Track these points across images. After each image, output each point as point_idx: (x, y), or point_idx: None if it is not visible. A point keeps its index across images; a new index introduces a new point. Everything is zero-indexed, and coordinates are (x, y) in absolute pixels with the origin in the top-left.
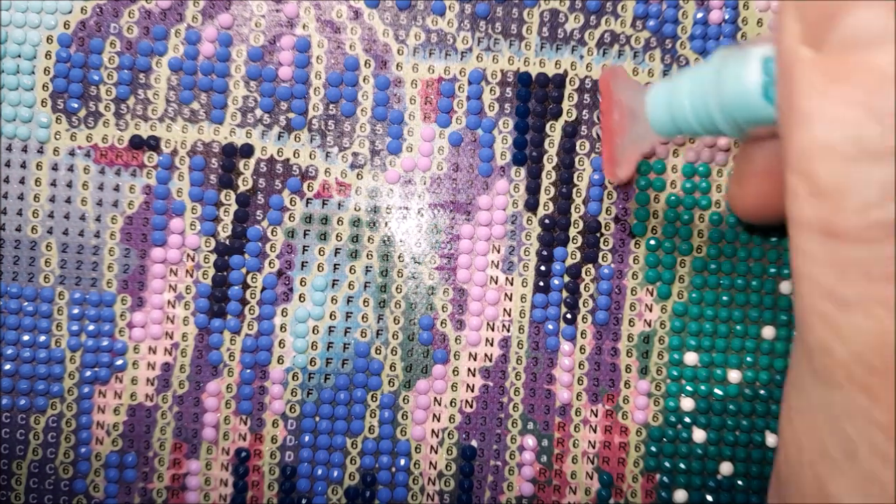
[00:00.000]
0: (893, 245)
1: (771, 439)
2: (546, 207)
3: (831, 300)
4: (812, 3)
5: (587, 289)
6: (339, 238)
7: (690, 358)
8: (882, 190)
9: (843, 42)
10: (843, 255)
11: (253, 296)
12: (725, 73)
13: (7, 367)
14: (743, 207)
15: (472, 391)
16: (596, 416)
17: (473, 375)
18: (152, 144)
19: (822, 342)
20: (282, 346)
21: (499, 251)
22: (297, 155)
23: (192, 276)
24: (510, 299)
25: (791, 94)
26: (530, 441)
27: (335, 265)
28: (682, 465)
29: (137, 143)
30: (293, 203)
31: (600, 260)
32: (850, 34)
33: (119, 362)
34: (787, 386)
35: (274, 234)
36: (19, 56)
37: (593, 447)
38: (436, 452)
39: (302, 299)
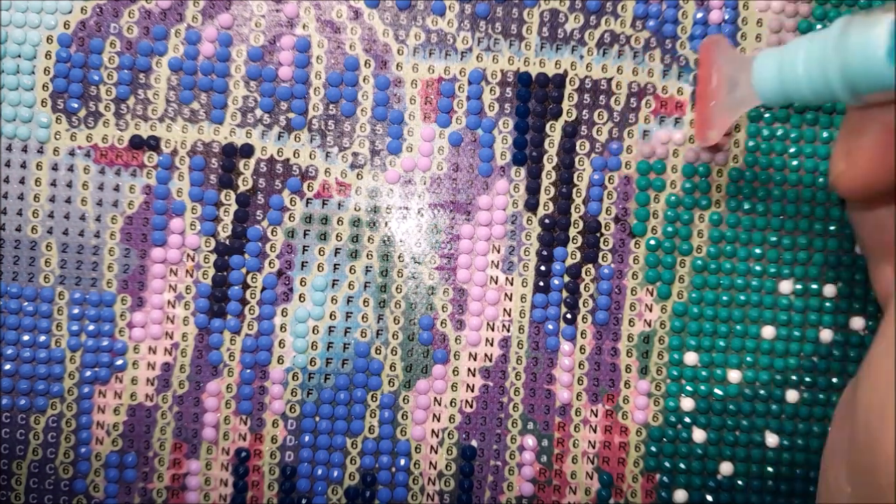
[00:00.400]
0: None
1: (771, 439)
2: (546, 207)
3: None
4: None
5: (587, 289)
6: (339, 238)
7: (690, 358)
8: None
9: None
10: None
11: (253, 296)
12: (850, 35)
13: (7, 367)
14: (852, 184)
15: (472, 391)
16: (596, 416)
17: (473, 375)
18: (152, 144)
19: None
20: (282, 346)
21: (499, 251)
22: (297, 155)
23: (192, 276)
24: (510, 299)
25: None
26: (530, 441)
27: (335, 265)
28: (682, 465)
29: (137, 143)
30: (293, 203)
31: (600, 260)
32: None
33: (119, 362)
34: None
35: (274, 234)
36: (19, 56)
37: (593, 447)
38: (436, 452)
39: (302, 299)
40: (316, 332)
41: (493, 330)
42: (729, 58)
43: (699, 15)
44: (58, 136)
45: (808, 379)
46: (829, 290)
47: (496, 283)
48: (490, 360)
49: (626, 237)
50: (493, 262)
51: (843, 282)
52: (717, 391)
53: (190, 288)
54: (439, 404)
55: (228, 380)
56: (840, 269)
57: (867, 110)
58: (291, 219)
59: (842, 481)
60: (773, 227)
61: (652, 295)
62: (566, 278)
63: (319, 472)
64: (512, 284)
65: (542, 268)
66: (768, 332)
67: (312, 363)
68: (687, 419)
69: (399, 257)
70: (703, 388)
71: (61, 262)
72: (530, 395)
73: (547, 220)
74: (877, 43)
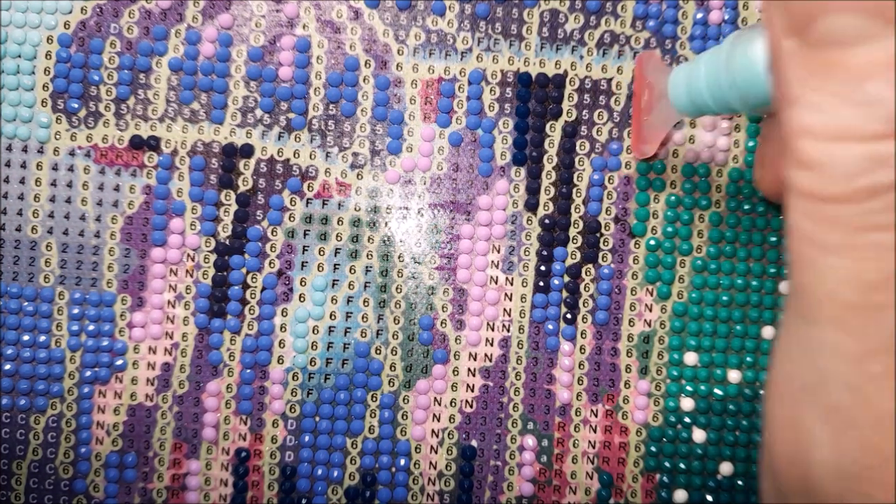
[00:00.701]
0: (873, 203)
1: None
2: (546, 207)
3: (816, 247)
4: (796, 0)
5: (587, 289)
6: (339, 238)
7: (690, 358)
8: (863, 163)
9: (822, 39)
10: (828, 212)
11: (253, 296)
12: (735, 50)
13: (7, 367)
14: (766, 188)
15: (472, 391)
16: (596, 416)
17: (473, 375)
18: (152, 144)
19: (806, 283)
20: (282, 346)
21: (499, 251)
22: (297, 155)
23: (192, 276)
24: (510, 299)
25: (779, 79)
26: (530, 441)
27: (335, 265)
28: (682, 465)
29: (137, 144)
30: (293, 203)
31: (600, 260)
32: (828, 33)
33: (119, 362)
34: (778, 330)
35: (274, 234)
36: (19, 56)
37: (593, 447)
38: (436, 452)
39: (302, 299)
40: (316, 332)
41: (493, 330)
42: (657, 73)
43: (699, 15)
44: (58, 136)
45: None
46: None
47: (496, 283)
48: (490, 360)
49: (626, 237)
50: (493, 262)
51: None
52: (718, 391)
53: (190, 288)
54: (439, 404)
55: (228, 380)
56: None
57: (774, 119)
58: (291, 219)
59: (813, 425)
60: (773, 227)
61: (652, 295)
62: (566, 278)
63: (319, 472)
64: (512, 284)
65: (542, 268)
66: (768, 332)
67: (312, 363)
68: (687, 419)
69: (399, 257)
70: (703, 388)
71: (61, 262)
72: (530, 395)
73: (547, 220)
74: (756, 57)
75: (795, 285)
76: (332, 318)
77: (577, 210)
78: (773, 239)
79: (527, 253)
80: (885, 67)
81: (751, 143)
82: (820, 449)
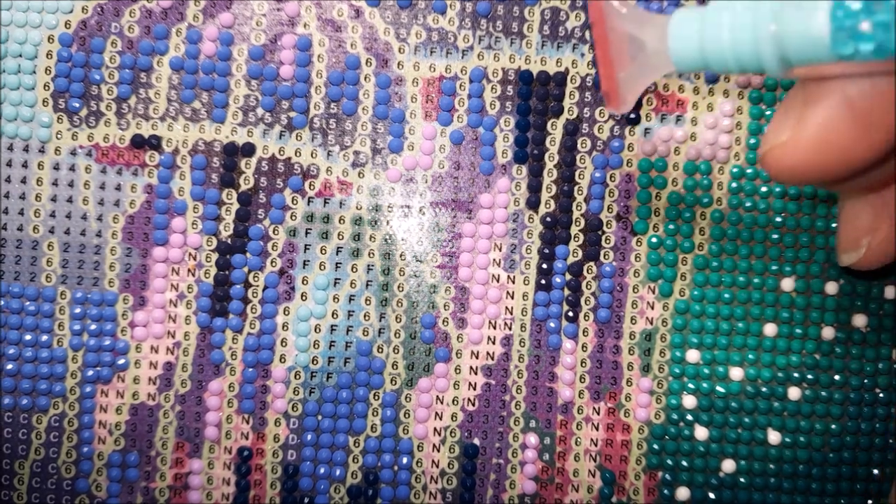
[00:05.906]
0: None
1: (773, 436)
2: (547, 205)
3: None
4: None
5: (589, 287)
6: (340, 237)
7: (692, 355)
8: None
9: None
10: None
11: (255, 294)
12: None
13: (9, 366)
14: (793, 155)
15: (475, 389)
16: (598, 413)
17: (475, 373)
18: (154, 143)
19: None
20: (284, 344)
21: (500, 249)
22: (298, 154)
23: (193, 275)
24: (512, 297)
25: None
26: (532, 439)
27: (337, 264)
28: (684, 463)
29: (139, 143)
30: (295, 202)
31: (602, 258)
32: None
33: (121, 361)
34: None
35: (276, 232)
36: (20, 56)
37: (595, 445)
38: (438, 451)
39: (304, 298)
40: (318, 330)
41: (494, 328)
42: (635, 22)
43: None
44: (59, 136)
45: (809, 376)
46: (831, 287)
47: (498, 281)
48: (492, 359)
49: (627, 235)
50: (494, 260)
51: (845, 279)
52: (720, 389)
53: (192, 287)
54: (441, 402)
55: (230, 379)
56: (842, 267)
57: (826, 81)
58: (293, 217)
59: None
60: (774, 225)
61: (654, 293)
62: (568, 276)
63: (322, 470)
64: (514, 282)
65: (544, 266)
66: (770, 329)
67: (314, 362)
68: (689, 417)
69: (401, 256)
70: (705, 385)
71: (63, 262)
72: (532, 393)
73: (548, 218)
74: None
75: None
76: (334, 316)
77: (579, 208)
78: (775, 236)
79: (528, 251)
80: None
81: (752, 141)
82: None
